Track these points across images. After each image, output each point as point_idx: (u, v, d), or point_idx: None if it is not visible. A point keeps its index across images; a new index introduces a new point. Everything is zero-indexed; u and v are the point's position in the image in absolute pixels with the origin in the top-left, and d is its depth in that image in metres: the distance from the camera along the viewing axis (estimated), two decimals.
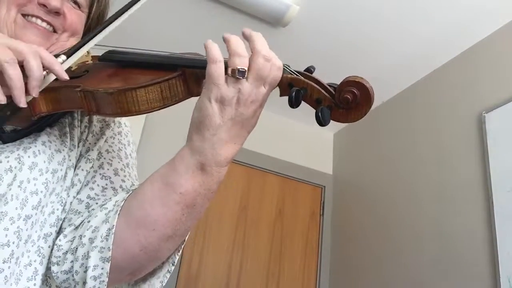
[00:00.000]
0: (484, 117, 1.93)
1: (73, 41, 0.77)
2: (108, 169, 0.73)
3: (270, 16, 2.13)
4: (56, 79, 0.59)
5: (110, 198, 0.68)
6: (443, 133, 2.17)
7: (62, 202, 0.68)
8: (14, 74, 0.54)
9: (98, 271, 0.60)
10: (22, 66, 0.55)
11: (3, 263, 0.60)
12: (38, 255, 0.65)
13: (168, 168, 0.61)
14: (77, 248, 0.62)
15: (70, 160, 0.71)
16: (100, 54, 0.72)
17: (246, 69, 0.55)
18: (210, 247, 2.55)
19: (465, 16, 2.00)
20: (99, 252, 0.60)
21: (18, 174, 0.63)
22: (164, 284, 0.67)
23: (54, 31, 0.74)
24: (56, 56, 0.61)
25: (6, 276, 0.60)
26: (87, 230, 0.63)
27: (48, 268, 0.66)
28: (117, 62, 0.69)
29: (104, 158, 0.74)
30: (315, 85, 0.56)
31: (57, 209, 0.67)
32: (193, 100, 0.63)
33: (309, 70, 0.58)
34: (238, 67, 0.55)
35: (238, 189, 2.74)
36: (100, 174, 0.72)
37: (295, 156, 2.93)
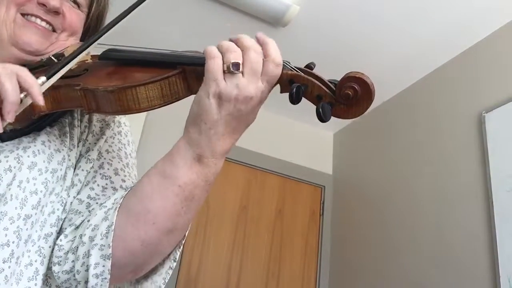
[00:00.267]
0: (484, 117, 1.93)
1: (72, 41, 0.77)
2: (108, 169, 0.73)
3: (270, 16, 2.13)
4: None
5: (109, 197, 0.68)
6: (443, 133, 2.17)
7: (62, 202, 0.68)
8: None
9: (99, 268, 0.60)
10: None
11: (3, 263, 0.59)
12: (38, 255, 0.65)
13: (166, 160, 0.62)
14: (77, 247, 0.62)
15: (69, 160, 0.71)
16: (100, 53, 0.72)
17: (240, 62, 0.56)
18: (210, 247, 2.55)
19: (465, 16, 2.00)
20: (99, 250, 0.60)
21: (17, 173, 0.63)
22: (166, 281, 0.67)
23: (54, 30, 0.75)
24: (59, 56, 0.60)
25: (6, 275, 0.60)
26: (87, 228, 0.63)
27: (49, 268, 0.66)
28: (117, 60, 0.69)
29: (104, 158, 0.74)
30: (316, 81, 0.56)
31: (58, 209, 0.67)
32: (193, 98, 0.63)
33: (310, 66, 0.58)
34: (232, 61, 0.56)
35: (238, 189, 2.74)
36: (100, 174, 0.72)
37: (295, 156, 2.93)
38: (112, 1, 0.85)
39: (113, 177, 0.73)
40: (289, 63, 0.59)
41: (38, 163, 0.65)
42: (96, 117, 0.79)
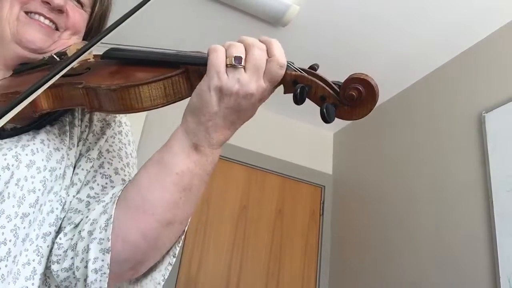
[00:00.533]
0: (484, 117, 1.93)
1: (75, 40, 0.77)
2: (108, 168, 0.73)
3: (270, 16, 2.13)
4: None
5: (108, 193, 0.67)
6: (443, 133, 2.17)
7: (61, 201, 0.68)
8: None
9: (98, 263, 0.59)
10: None
11: (0, 261, 0.59)
12: (36, 255, 0.64)
13: (163, 149, 0.62)
14: (76, 243, 0.62)
15: (69, 159, 0.70)
16: (102, 52, 0.72)
17: (243, 56, 0.56)
18: (210, 247, 2.55)
19: (465, 16, 2.00)
20: (98, 244, 0.59)
21: (15, 171, 0.62)
22: (166, 278, 0.67)
23: (56, 29, 0.75)
24: (62, 54, 0.60)
25: (3, 274, 0.59)
26: (86, 224, 0.62)
27: (48, 267, 0.65)
28: (119, 59, 0.69)
29: (105, 158, 0.74)
30: (320, 82, 0.56)
31: (56, 208, 0.67)
32: None
33: (313, 67, 0.58)
34: (235, 54, 0.56)
35: (238, 189, 2.74)
36: (100, 173, 0.72)
37: (295, 156, 2.93)
38: (115, 1, 0.85)
39: (113, 176, 0.72)
40: (293, 63, 0.58)
41: (36, 161, 0.65)
42: (97, 116, 0.79)
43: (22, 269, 0.62)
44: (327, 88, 0.56)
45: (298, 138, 2.99)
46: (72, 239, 0.64)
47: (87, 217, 0.64)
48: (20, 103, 0.47)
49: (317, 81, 0.56)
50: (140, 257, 0.62)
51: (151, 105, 0.60)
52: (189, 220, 0.66)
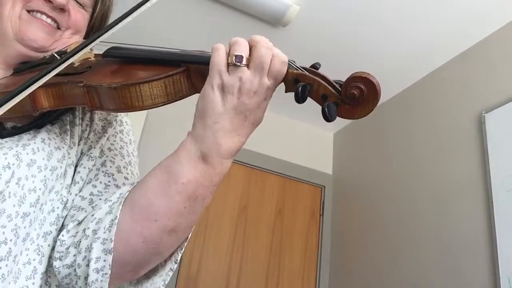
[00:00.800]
0: (484, 117, 1.93)
1: (76, 39, 0.77)
2: (110, 167, 0.73)
3: (270, 16, 2.13)
4: (57, 74, 0.59)
5: (114, 192, 0.67)
6: (443, 134, 2.17)
7: (62, 200, 0.68)
8: None
9: (100, 263, 0.59)
10: None
11: (0, 261, 0.59)
12: (37, 254, 0.64)
13: (171, 157, 0.62)
14: (80, 241, 0.62)
15: (70, 158, 0.70)
16: (103, 51, 0.72)
17: (244, 55, 0.57)
18: (210, 247, 2.55)
19: (464, 17, 2.00)
20: (101, 243, 0.59)
21: (16, 171, 0.62)
22: (166, 283, 0.67)
23: (58, 28, 0.75)
24: (62, 53, 0.59)
25: (3, 274, 0.59)
26: (91, 222, 0.62)
27: (49, 266, 0.65)
28: (120, 58, 0.69)
29: (107, 156, 0.74)
30: (322, 81, 0.56)
31: (57, 207, 0.67)
32: (195, 98, 0.63)
33: (315, 66, 0.58)
34: (236, 53, 0.56)
35: (238, 189, 2.74)
36: (103, 171, 0.72)
37: (295, 156, 2.93)
38: (116, 1, 0.85)
39: (116, 174, 0.72)
40: (294, 62, 0.59)
41: (37, 160, 0.65)
42: (98, 115, 0.79)
43: (22, 269, 0.62)
44: (328, 86, 0.56)
45: (298, 138, 2.99)
46: (75, 236, 0.64)
47: (92, 215, 0.64)
48: (14, 97, 0.47)
49: (318, 79, 0.56)
50: (141, 261, 0.63)
51: (152, 104, 0.60)
52: (193, 228, 0.66)
